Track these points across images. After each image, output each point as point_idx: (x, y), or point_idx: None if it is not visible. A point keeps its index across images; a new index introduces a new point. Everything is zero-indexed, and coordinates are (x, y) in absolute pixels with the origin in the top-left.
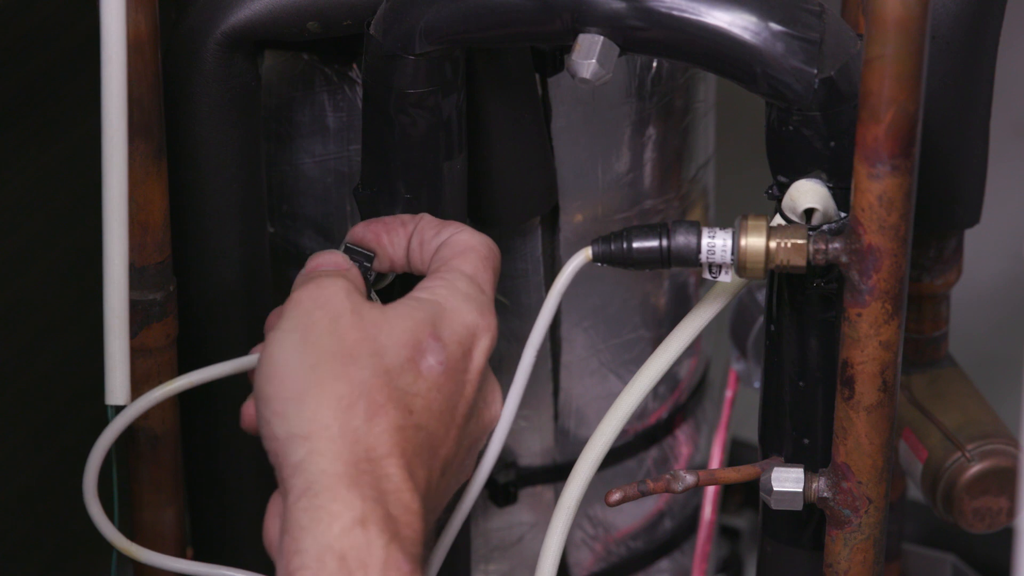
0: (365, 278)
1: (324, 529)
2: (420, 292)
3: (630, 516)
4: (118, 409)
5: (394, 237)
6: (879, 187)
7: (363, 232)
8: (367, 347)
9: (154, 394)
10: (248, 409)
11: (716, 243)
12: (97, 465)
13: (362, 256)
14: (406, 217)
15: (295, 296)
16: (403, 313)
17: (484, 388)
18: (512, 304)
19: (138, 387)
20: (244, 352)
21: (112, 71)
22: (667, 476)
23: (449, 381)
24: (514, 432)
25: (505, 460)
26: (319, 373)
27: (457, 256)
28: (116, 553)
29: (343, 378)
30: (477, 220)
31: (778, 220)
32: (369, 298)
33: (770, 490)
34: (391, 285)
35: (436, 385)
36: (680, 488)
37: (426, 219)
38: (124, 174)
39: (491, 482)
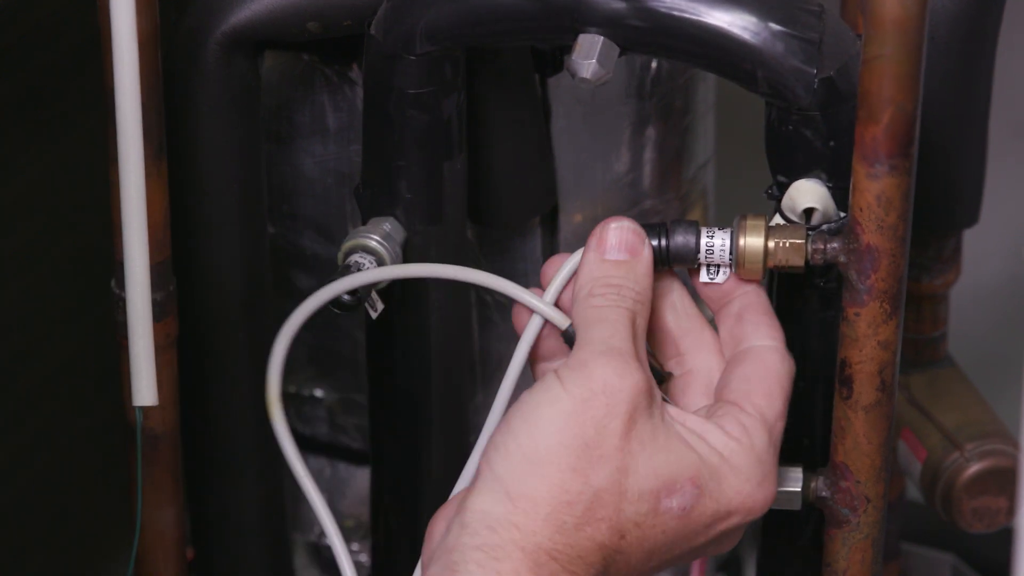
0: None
1: None
2: (713, 433)
3: None
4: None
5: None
6: (877, 187)
7: None
8: (619, 460)
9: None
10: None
11: (715, 243)
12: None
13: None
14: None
15: (594, 364)
16: (676, 449)
17: (722, 542)
18: (512, 304)
19: None
20: (244, 352)
21: (124, 71)
22: None
23: (682, 529)
24: None
25: None
26: (561, 457)
27: (761, 389)
28: (135, 553)
29: (580, 476)
30: (477, 221)
31: (778, 220)
32: (370, 298)
33: None
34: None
35: (663, 527)
36: None
37: (753, 295)
38: (141, 174)
39: None
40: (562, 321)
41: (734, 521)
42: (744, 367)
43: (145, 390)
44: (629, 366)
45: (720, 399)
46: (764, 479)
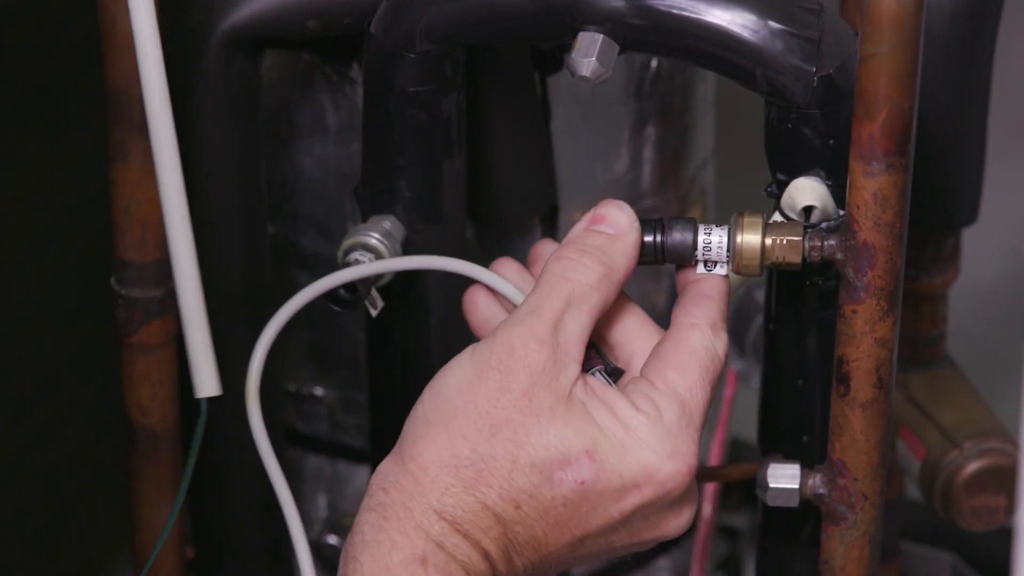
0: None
1: (384, 552)
2: (620, 406)
3: None
4: (210, 401)
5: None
6: (874, 184)
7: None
8: (510, 432)
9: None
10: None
11: (712, 240)
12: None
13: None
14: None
15: (498, 338)
16: (574, 423)
17: (652, 520)
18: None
19: (137, 386)
20: (245, 352)
21: (150, 68)
22: None
23: (584, 503)
24: None
25: None
26: (453, 423)
27: (674, 363)
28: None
29: (469, 443)
30: (477, 220)
31: (777, 218)
32: (370, 296)
33: (766, 486)
34: (391, 284)
35: (562, 499)
36: None
37: (705, 279)
38: (178, 171)
39: None
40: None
41: (647, 495)
42: (663, 344)
43: (207, 380)
44: (529, 346)
45: (638, 375)
46: (675, 452)
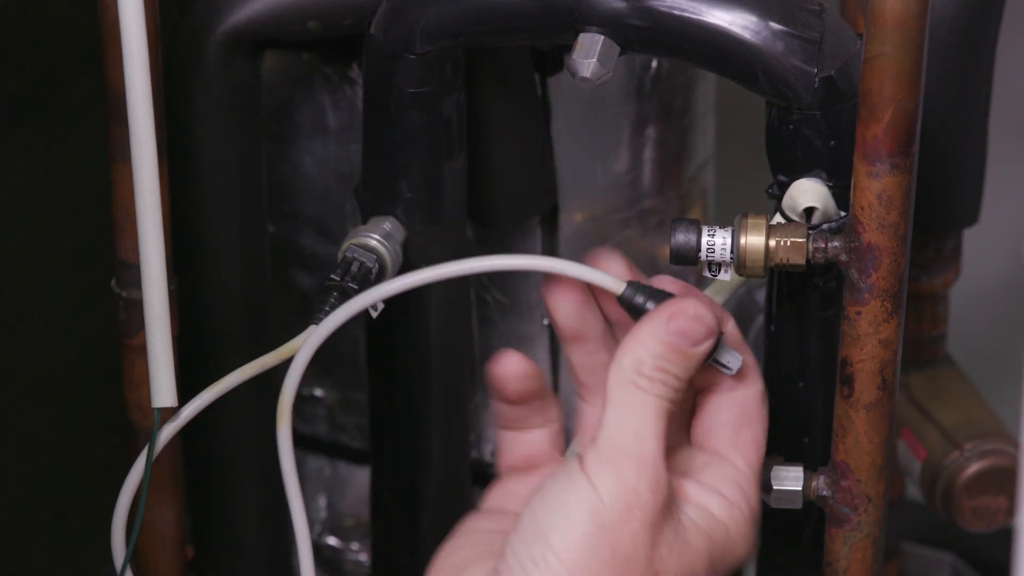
0: None
1: None
2: (714, 503)
3: None
4: (165, 411)
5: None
6: (878, 185)
7: None
8: (651, 570)
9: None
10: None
11: (716, 241)
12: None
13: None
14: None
15: (629, 473)
16: (694, 542)
17: None
18: (512, 303)
19: (138, 387)
20: (244, 351)
21: (135, 68)
22: None
23: None
24: None
25: None
26: (602, 571)
27: (747, 436)
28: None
29: None
30: (477, 220)
31: (778, 219)
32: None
33: (769, 489)
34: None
35: None
36: None
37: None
38: (155, 172)
39: (492, 481)
40: (616, 286)
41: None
42: (727, 413)
43: (165, 391)
44: (662, 477)
45: (705, 446)
46: (753, 534)
